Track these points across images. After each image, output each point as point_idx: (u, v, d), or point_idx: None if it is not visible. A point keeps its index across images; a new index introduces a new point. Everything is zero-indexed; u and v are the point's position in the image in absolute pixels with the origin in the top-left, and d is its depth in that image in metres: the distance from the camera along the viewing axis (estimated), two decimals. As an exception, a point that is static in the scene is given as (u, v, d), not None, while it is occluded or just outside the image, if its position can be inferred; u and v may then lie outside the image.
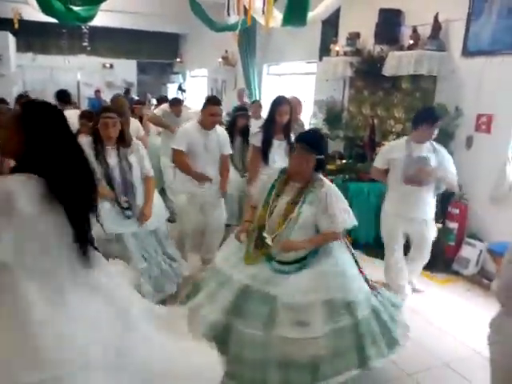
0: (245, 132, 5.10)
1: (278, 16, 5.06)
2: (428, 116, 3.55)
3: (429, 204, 3.68)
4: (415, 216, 3.64)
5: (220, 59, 9.60)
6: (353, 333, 2.40)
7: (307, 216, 2.51)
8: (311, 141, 2.56)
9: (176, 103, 6.13)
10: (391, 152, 3.65)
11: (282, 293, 2.37)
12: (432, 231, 3.82)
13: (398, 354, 2.63)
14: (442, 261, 4.54)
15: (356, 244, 4.98)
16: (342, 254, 2.63)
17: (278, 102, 3.81)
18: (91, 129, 3.25)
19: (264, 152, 3.80)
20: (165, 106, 6.32)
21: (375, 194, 4.78)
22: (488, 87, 4.38)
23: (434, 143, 3.63)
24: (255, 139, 3.89)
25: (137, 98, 10.42)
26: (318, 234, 2.58)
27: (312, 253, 2.55)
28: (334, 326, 2.36)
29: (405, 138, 3.71)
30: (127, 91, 10.75)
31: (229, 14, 5.54)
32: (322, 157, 2.56)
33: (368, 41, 5.67)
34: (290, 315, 2.34)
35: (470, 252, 4.45)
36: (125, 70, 12.50)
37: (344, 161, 5.61)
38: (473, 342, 3.28)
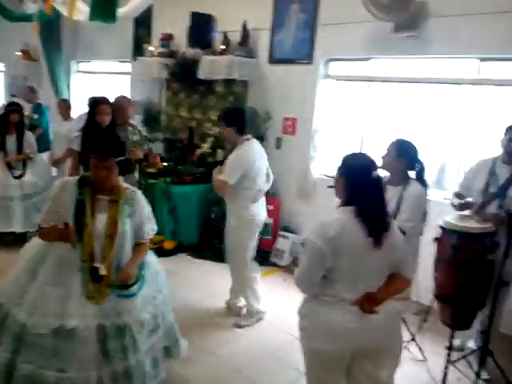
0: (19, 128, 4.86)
1: (83, 9, 4.68)
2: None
3: None
4: None
5: (19, 53, 8.47)
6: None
7: (130, 231, 2.35)
8: (105, 146, 2.30)
9: None
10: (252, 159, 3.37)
11: (136, 318, 2.32)
12: None
13: (227, 351, 2.69)
14: (260, 254, 4.84)
15: (181, 247, 4.95)
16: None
17: (96, 102, 3.58)
18: None
19: (85, 158, 3.45)
20: None
21: (198, 196, 4.83)
22: (291, 93, 4.82)
23: None
24: (75, 143, 3.55)
25: None
26: (138, 250, 2.42)
27: (143, 266, 2.46)
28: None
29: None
30: None
31: (22, 0, 4.88)
32: (123, 158, 2.34)
33: (182, 43, 5.68)
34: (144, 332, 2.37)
35: (284, 244, 4.85)
36: None
37: (165, 164, 5.51)
38: (291, 328, 3.52)
